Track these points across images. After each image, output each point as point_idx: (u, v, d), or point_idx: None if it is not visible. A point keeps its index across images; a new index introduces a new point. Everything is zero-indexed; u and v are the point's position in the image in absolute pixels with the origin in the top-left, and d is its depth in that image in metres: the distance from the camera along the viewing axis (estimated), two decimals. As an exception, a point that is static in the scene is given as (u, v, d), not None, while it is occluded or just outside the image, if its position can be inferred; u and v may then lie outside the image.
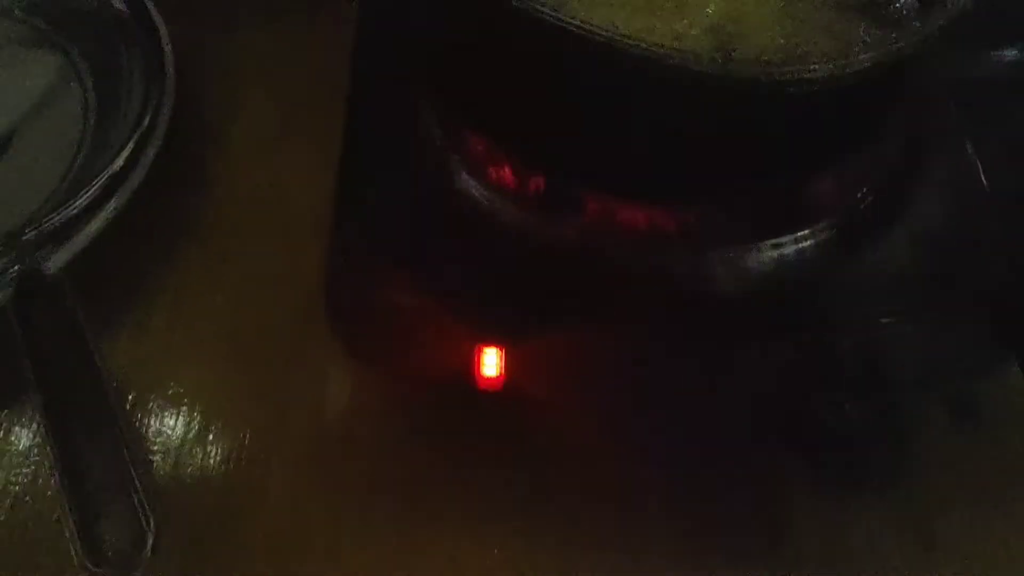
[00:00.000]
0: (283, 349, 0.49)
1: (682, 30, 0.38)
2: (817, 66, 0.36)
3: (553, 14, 0.35)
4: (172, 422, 0.47)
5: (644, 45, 0.35)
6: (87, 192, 0.48)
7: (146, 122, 0.52)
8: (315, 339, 0.48)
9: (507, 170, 0.47)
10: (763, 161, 0.44)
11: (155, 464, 0.45)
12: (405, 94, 0.51)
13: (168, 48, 0.55)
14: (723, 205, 0.46)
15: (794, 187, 0.47)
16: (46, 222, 0.47)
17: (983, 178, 0.51)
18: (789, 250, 0.46)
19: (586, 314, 0.45)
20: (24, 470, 0.45)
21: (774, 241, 0.46)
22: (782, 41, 0.38)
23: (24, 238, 0.46)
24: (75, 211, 0.48)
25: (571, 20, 0.35)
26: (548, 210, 0.46)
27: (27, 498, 0.44)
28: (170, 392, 0.47)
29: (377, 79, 0.52)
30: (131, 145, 0.50)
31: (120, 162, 0.49)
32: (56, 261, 0.46)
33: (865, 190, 0.49)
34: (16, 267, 0.45)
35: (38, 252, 0.46)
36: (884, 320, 0.46)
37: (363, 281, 0.46)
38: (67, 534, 0.38)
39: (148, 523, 0.38)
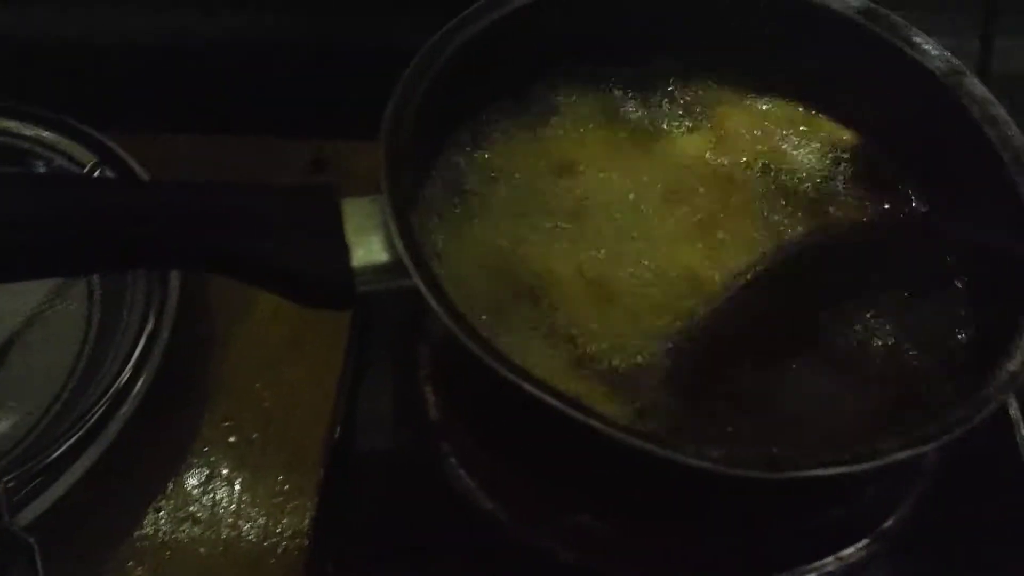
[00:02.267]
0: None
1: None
2: (866, 465, 0.32)
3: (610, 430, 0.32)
4: None
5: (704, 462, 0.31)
6: (66, 438, 0.46)
7: (144, 340, 0.50)
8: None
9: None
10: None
11: None
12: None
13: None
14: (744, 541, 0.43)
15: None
16: (29, 465, 0.46)
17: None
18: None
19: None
20: None
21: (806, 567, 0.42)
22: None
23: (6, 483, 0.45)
24: (53, 457, 0.46)
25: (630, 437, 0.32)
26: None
27: None
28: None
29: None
30: (126, 375, 0.49)
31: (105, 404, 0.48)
32: (35, 509, 0.45)
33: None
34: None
35: (16, 497, 0.45)
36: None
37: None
38: None
39: None
